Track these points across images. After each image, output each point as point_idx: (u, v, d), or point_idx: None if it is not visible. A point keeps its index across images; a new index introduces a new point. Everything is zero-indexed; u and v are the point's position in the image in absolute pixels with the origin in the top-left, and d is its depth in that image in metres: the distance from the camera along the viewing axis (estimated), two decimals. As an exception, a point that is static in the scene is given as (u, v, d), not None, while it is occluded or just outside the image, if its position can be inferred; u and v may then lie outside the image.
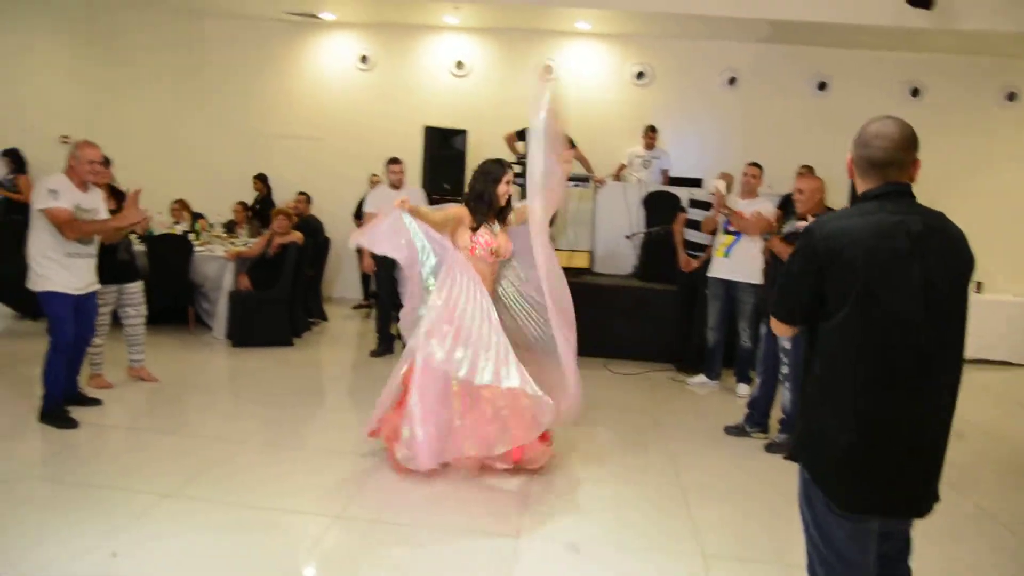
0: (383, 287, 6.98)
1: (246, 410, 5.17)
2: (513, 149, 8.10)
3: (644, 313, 7.19)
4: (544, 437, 4.12)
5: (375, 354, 6.85)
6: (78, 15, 8.90)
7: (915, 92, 9.15)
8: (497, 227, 4.24)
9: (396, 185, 6.80)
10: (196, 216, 8.53)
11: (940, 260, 1.95)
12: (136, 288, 5.47)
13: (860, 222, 1.96)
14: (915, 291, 1.92)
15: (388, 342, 6.92)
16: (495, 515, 3.64)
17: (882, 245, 1.92)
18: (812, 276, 1.99)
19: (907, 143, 2.02)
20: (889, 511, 2.02)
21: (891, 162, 2.02)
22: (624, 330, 7.21)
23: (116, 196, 5.25)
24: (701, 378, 6.41)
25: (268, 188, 9.44)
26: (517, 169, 7.49)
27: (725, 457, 4.69)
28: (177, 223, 8.29)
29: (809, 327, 2.08)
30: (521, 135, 8.16)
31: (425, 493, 3.88)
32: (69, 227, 4.42)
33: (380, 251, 4.29)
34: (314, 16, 9.36)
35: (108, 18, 9.09)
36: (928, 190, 2.21)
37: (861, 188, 2.07)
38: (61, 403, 4.58)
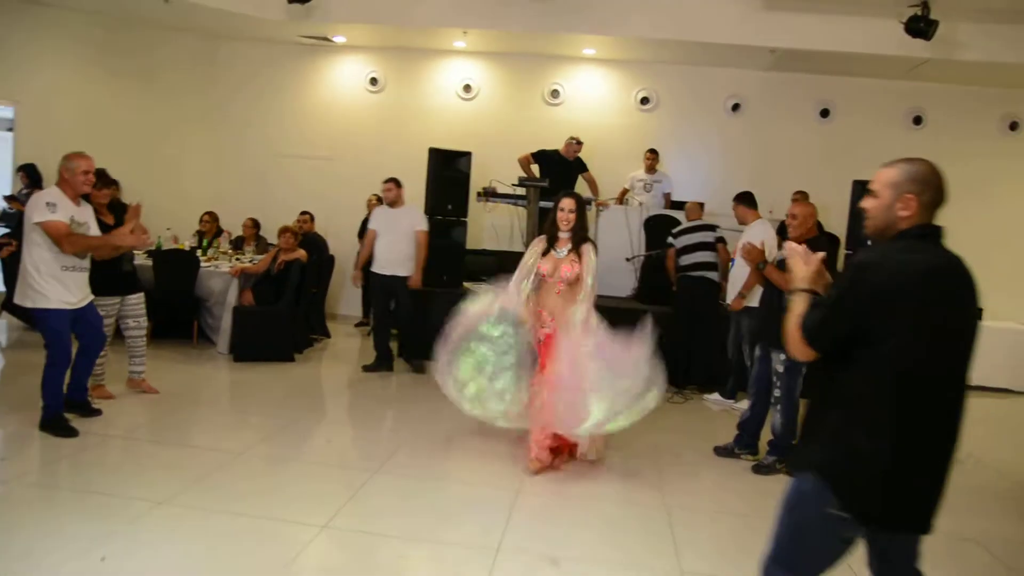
0: (377, 304, 7.15)
1: (245, 423, 5.27)
2: (527, 171, 8.20)
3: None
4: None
5: (368, 369, 6.95)
6: (101, 38, 9.11)
7: (917, 120, 9.23)
8: (565, 251, 4.58)
9: (391, 203, 6.97)
10: (218, 232, 8.72)
11: (968, 298, 2.12)
12: (137, 300, 5.54)
13: (914, 258, 2.08)
14: (956, 325, 2.10)
15: (387, 359, 7.02)
16: (479, 528, 3.70)
17: (931, 282, 2.05)
18: (864, 307, 2.06)
19: None
20: (915, 527, 2.17)
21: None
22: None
23: (115, 211, 5.33)
24: (716, 396, 6.69)
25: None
26: (519, 192, 7.70)
27: (712, 477, 4.74)
28: (198, 233, 8.55)
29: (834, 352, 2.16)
30: (536, 156, 8.27)
31: (412, 505, 3.96)
32: (68, 241, 4.46)
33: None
34: (327, 39, 9.57)
35: (130, 39, 9.30)
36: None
37: (908, 224, 2.15)
38: (61, 413, 4.67)
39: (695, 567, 3.45)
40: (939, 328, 2.05)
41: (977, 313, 2.16)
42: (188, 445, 4.73)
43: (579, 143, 8.29)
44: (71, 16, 8.85)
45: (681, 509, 4.13)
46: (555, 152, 8.27)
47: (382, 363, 7.00)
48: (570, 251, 4.57)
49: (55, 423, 4.59)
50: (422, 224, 7.00)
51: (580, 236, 4.58)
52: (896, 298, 2.04)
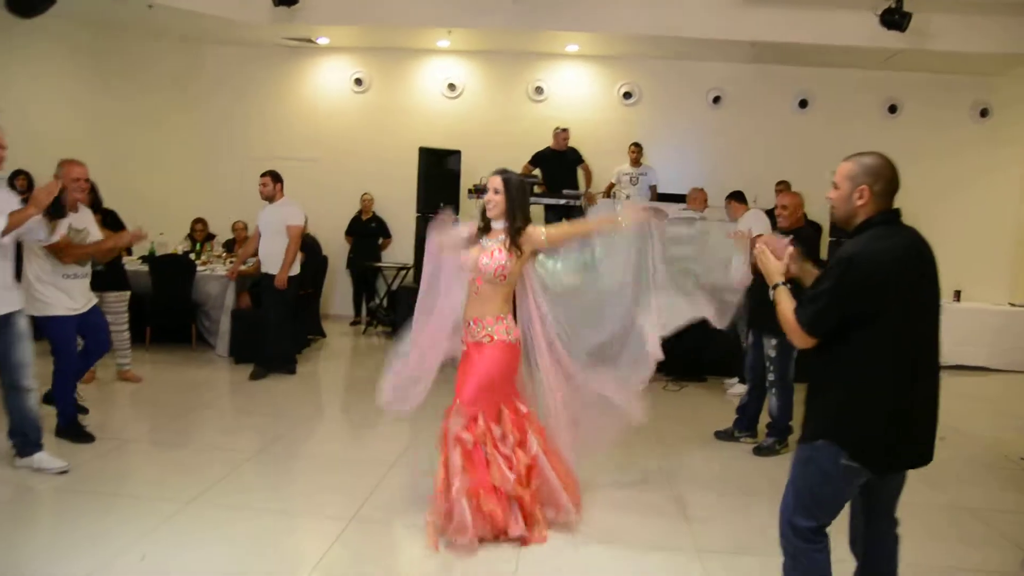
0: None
1: (255, 423, 5.35)
2: (530, 177, 8.26)
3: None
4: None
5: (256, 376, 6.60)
6: (84, 44, 9.09)
7: (892, 109, 9.48)
8: (492, 243, 3.60)
9: (268, 199, 6.58)
10: (209, 237, 8.77)
11: (932, 272, 2.42)
12: (115, 297, 5.95)
13: (888, 244, 2.35)
14: (928, 294, 2.40)
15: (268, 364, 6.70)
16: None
17: (907, 262, 2.35)
18: (859, 295, 2.30)
19: None
20: (915, 464, 2.44)
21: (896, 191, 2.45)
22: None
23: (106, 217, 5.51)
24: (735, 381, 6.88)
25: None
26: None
27: (716, 460, 4.92)
28: (189, 238, 8.57)
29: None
30: (533, 161, 8.35)
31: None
32: (66, 252, 4.52)
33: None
34: (310, 41, 9.61)
35: (113, 46, 9.29)
36: (906, 204, 2.50)
37: (866, 216, 2.42)
38: (76, 419, 4.74)
39: (710, 544, 3.62)
40: (917, 300, 2.35)
41: (937, 287, 2.43)
42: (204, 447, 4.82)
43: (565, 130, 8.43)
44: (54, 22, 8.77)
45: (690, 492, 4.29)
46: (547, 149, 8.38)
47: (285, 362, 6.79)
48: (502, 241, 3.58)
49: (72, 429, 4.66)
50: (293, 219, 6.52)
51: (516, 225, 3.59)
52: (880, 283, 2.30)
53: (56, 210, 4.29)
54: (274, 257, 6.49)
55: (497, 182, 3.66)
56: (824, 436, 2.41)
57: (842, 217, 2.49)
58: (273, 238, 6.51)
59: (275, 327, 6.59)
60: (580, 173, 8.71)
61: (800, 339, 2.43)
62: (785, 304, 2.48)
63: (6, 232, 3.86)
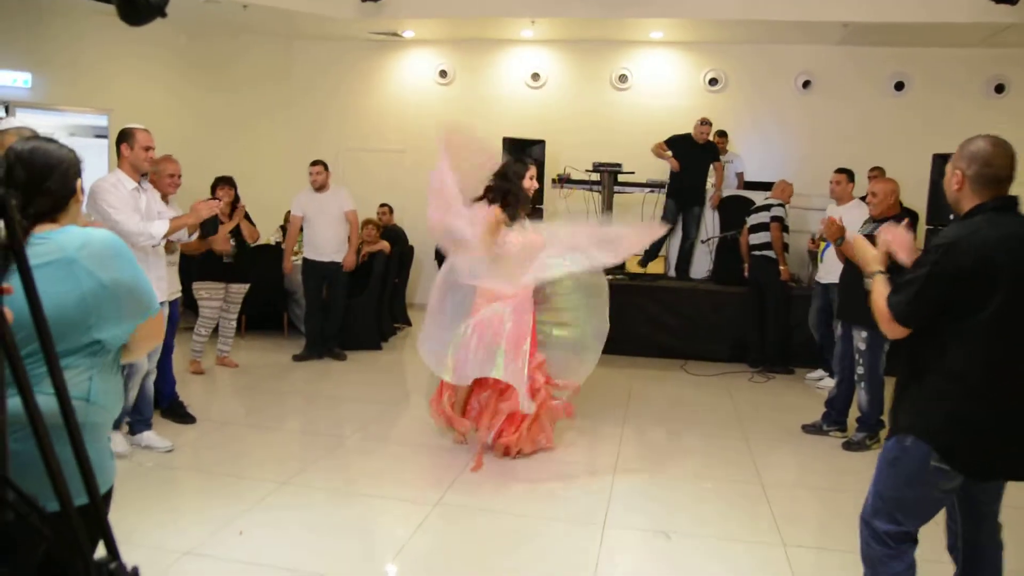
0: (308, 291, 6.90)
1: (343, 408, 5.55)
2: (662, 157, 8.09)
3: (720, 316, 7.33)
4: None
5: (299, 358, 6.84)
6: (185, 42, 9.52)
7: (999, 88, 8.97)
8: (528, 223, 4.50)
9: (319, 188, 6.80)
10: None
11: None
12: (238, 289, 6.31)
13: (996, 233, 2.19)
14: None
15: (318, 346, 6.93)
16: (584, 505, 3.87)
17: (1015, 253, 2.17)
18: (955, 284, 2.18)
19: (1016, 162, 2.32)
20: (1018, 475, 2.30)
21: (1010, 179, 2.29)
22: (700, 332, 7.35)
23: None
24: (819, 373, 6.65)
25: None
26: (593, 177, 7.75)
27: (803, 454, 4.81)
28: (281, 228, 8.86)
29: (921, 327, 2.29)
30: (669, 143, 8.09)
31: (518, 483, 4.15)
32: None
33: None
34: (396, 35, 9.79)
35: (211, 44, 9.70)
36: (1016, 188, 2.39)
37: (973, 202, 2.28)
38: (178, 399, 5.01)
39: (797, 539, 3.56)
40: (1020, 296, 2.15)
41: None
42: (297, 430, 5.05)
43: (708, 125, 8.11)
44: (157, 24, 9.20)
45: (776, 486, 4.22)
46: (687, 136, 8.05)
47: (313, 351, 6.91)
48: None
49: (175, 409, 4.93)
50: (350, 204, 6.84)
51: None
52: (981, 275, 2.15)
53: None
54: (337, 244, 6.79)
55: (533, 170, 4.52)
56: (913, 432, 2.27)
57: (950, 202, 2.39)
58: (332, 225, 6.76)
59: (343, 309, 7.01)
60: (711, 170, 8.33)
61: (891, 328, 2.29)
62: (879, 292, 2.35)
63: (166, 236, 4.25)
